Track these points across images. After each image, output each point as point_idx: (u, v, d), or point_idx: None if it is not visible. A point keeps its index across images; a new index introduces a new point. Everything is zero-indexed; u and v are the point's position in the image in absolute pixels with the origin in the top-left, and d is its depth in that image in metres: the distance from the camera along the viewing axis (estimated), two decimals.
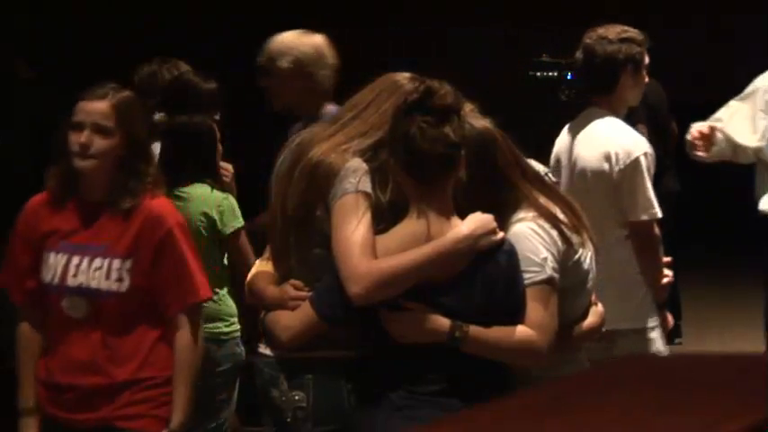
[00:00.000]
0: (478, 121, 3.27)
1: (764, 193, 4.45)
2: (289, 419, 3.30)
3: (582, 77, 4.51)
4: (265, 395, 3.37)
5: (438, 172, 3.15)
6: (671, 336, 7.81)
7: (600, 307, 3.46)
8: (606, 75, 4.44)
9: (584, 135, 4.46)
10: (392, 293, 3.12)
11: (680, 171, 7.27)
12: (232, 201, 4.90)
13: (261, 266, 3.52)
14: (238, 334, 4.91)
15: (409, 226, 3.18)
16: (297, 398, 3.29)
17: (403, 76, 3.37)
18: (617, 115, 4.49)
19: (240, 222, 4.87)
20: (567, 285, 3.27)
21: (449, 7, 10.97)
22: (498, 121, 3.36)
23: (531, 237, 3.23)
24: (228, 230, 4.84)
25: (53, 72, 7.14)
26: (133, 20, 9.87)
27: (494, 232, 3.16)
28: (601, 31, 4.46)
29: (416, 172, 3.16)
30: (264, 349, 3.40)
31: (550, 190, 3.38)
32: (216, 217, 4.84)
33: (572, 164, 4.48)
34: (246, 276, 4.68)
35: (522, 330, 3.17)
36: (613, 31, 4.46)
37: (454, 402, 3.15)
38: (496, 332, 3.16)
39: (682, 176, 7.33)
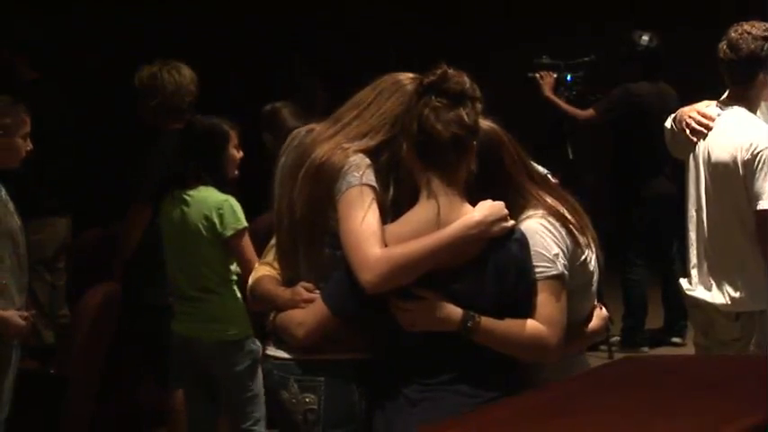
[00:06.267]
0: (484, 122, 3.28)
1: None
2: (299, 422, 3.30)
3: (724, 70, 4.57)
4: (274, 397, 3.37)
5: (450, 155, 3.15)
6: (678, 336, 7.85)
7: (603, 311, 3.46)
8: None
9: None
10: (404, 281, 3.11)
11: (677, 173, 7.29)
12: (233, 202, 4.91)
13: (261, 270, 3.51)
14: (251, 331, 4.93)
15: (420, 212, 3.18)
16: (307, 400, 3.28)
17: (406, 76, 3.36)
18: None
19: (241, 224, 4.89)
20: (574, 286, 3.27)
21: (448, 7, 10.96)
22: (498, 121, 3.37)
23: (543, 233, 3.23)
24: (229, 232, 4.86)
25: (54, 73, 7.14)
26: (134, 21, 9.87)
27: (505, 219, 3.16)
28: (746, 26, 4.51)
29: (428, 154, 3.16)
30: (274, 351, 3.39)
31: (556, 191, 3.38)
32: (216, 219, 4.86)
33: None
34: (247, 277, 4.74)
35: (532, 325, 3.17)
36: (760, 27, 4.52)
37: (465, 389, 3.14)
38: (507, 325, 3.16)
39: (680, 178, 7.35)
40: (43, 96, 6.57)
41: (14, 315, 4.66)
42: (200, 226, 4.89)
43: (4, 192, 4.75)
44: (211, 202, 4.90)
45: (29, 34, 7.03)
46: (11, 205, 4.77)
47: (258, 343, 4.89)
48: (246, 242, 4.88)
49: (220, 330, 4.95)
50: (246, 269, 4.76)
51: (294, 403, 3.31)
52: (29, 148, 4.90)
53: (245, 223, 4.91)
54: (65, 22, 9.05)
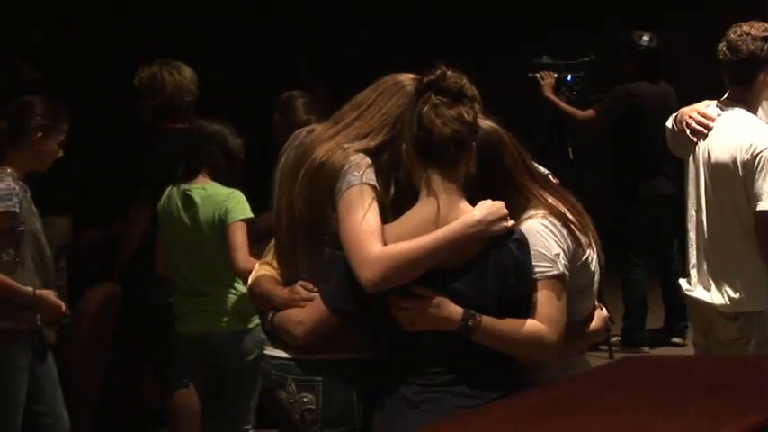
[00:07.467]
0: (484, 122, 3.28)
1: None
2: (297, 421, 3.30)
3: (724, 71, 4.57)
4: (272, 397, 3.37)
5: (449, 151, 3.15)
6: (680, 336, 7.85)
7: (604, 311, 3.46)
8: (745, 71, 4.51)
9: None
10: (405, 279, 3.11)
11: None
12: (238, 195, 4.97)
13: (261, 270, 3.52)
14: (258, 321, 4.98)
15: (419, 210, 3.18)
16: (305, 400, 3.28)
17: (406, 77, 3.37)
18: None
19: (245, 214, 4.93)
20: (575, 287, 3.27)
21: (448, 7, 10.97)
22: (498, 121, 3.37)
23: (544, 233, 3.23)
24: (230, 221, 4.91)
25: (56, 73, 7.15)
26: (135, 21, 9.87)
27: (505, 218, 3.16)
28: (745, 27, 4.51)
29: (428, 151, 3.16)
30: (272, 351, 3.39)
31: (557, 191, 3.38)
32: (223, 213, 4.92)
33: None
34: (233, 264, 4.78)
35: (532, 324, 3.17)
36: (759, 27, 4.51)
37: (464, 390, 3.15)
38: (508, 324, 3.16)
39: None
40: (45, 96, 6.57)
41: (51, 294, 4.79)
42: (212, 221, 4.94)
43: (29, 194, 4.79)
44: (220, 196, 4.98)
45: (30, 35, 7.04)
46: (34, 207, 4.81)
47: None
48: (243, 232, 4.91)
49: (232, 322, 5.00)
50: (234, 258, 4.81)
51: (292, 403, 3.31)
52: (59, 155, 4.92)
53: (249, 214, 4.94)
54: (65, 22, 9.06)
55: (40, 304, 4.74)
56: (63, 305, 4.84)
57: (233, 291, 4.99)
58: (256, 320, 5.00)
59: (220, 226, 4.92)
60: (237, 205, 4.93)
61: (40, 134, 4.80)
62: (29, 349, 4.77)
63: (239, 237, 4.87)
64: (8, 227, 4.65)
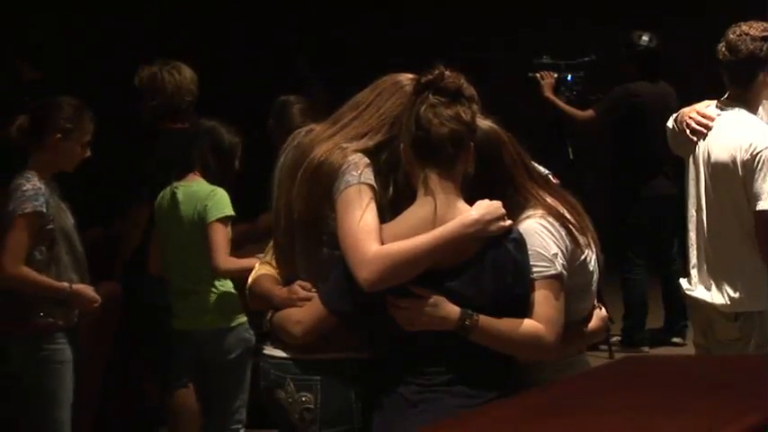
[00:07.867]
0: (484, 122, 3.28)
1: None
2: (296, 421, 3.30)
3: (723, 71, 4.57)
4: (270, 396, 3.37)
5: (447, 151, 3.16)
6: (679, 336, 7.85)
7: (603, 311, 3.46)
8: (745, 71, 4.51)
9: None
10: (402, 279, 3.11)
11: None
12: (220, 191, 4.98)
13: (260, 269, 3.52)
14: (245, 319, 4.99)
15: (417, 210, 3.19)
16: (304, 399, 3.28)
17: (405, 77, 3.37)
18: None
19: (224, 213, 4.94)
20: (573, 287, 3.27)
21: (449, 7, 10.96)
22: (498, 121, 3.37)
23: (542, 232, 3.24)
24: (210, 219, 4.93)
25: (56, 73, 7.14)
26: (135, 21, 9.87)
27: (502, 218, 3.17)
28: (744, 27, 4.51)
29: (426, 150, 3.17)
30: (271, 350, 3.39)
31: (556, 191, 3.38)
32: (203, 210, 4.94)
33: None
34: (213, 264, 4.79)
35: (530, 324, 3.17)
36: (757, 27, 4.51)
37: (463, 390, 3.15)
38: (506, 323, 3.16)
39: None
40: (44, 97, 6.58)
41: (88, 288, 4.84)
42: (192, 218, 4.96)
43: (56, 192, 4.81)
44: (201, 193, 5.01)
45: (30, 35, 7.05)
46: (63, 204, 4.83)
47: (251, 332, 4.96)
48: (223, 231, 4.91)
49: (215, 319, 5.03)
50: (214, 258, 4.83)
51: (291, 402, 3.31)
52: (86, 155, 4.93)
53: (229, 212, 4.96)
54: (65, 22, 9.06)
55: (77, 299, 4.78)
56: (99, 299, 4.86)
57: (214, 289, 5.02)
58: (241, 319, 5.03)
59: (200, 223, 4.95)
60: (217, 203, 4.94)
61: (59, 136, 4.82)
62: (68, 345, 4.79)
63: (218, 236, 4.89)
64: (38, 226, 4.67)
